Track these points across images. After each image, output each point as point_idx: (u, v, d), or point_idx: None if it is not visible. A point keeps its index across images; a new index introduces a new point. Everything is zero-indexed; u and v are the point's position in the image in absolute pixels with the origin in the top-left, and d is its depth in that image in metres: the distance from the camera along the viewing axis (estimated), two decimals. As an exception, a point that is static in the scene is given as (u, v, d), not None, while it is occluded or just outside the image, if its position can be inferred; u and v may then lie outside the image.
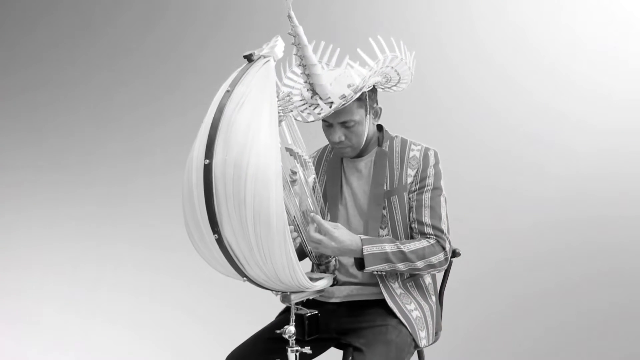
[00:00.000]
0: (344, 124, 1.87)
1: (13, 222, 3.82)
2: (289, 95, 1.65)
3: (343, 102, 1.76)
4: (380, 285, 1.92)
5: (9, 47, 4.03)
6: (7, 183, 3.88)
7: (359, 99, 1.86)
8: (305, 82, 1.82)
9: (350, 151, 1.95)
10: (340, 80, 1.84)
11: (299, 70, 1.93)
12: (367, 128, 1.93)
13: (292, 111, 1.68)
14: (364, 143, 1.95)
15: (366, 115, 1.91)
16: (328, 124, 1.90)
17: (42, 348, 3.37)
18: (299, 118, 1.85)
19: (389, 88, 2.02)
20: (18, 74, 4.01)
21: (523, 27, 3.36)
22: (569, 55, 3.31)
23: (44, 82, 3.99)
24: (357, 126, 1.89)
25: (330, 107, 1.76)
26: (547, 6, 3.33)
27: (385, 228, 1.95)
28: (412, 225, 1.95)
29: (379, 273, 1.90)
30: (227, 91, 1.47)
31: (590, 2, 3.29)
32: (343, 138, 1.89)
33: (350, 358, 1.81)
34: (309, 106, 1.84)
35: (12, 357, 3.30)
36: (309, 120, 1.82)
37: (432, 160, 1.96)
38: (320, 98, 1.81)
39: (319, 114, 1.79)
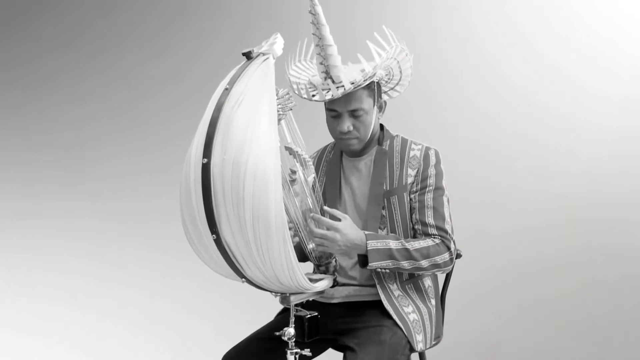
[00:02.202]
0: (353, 113, 1.86)
1: (12, 222, 3.81)
2: (288, 94, 1.62)
3: (361, 82, 1.75)
4: (378, 286, 1.89)
5: (8, 46, 4.01)
6: (7, 183, 3.87)
7: (368, 88, 1.85)
8: (321, 63, 1.80)
9: (356, 143, 1.92)
10: (351, 68, 1.84)
11: (303, 65, 1.95)
12: (374, 120, 1.92)
13: (291, 109, 1.66)
14: (369, 136, 1.93)
15: (374, 106, 1.90)
16: (336, 114, 1.88)
17: (41, 347, 3.35)
18: (317, 97, 1.82)
19: (385, 92, 2.02)
20: (16, 75, 3.99)
21: (524, 27, 3.34)
22: (570, 56, 3.29)
23: (41, 81, 3.97)
24: (365, 116, 1.87)
25: (343, 90, 1.76)
26: (548, 6, 3.31)
27: (384, 228, 1.93)
28: (416, 227, 1.93)
29: (383, 270, 1.88)
30: (226, 89, 1.45)
31: (592, 3, 3.28)
32: (352, 128, 1.87)
33: (343, 358, 1.79)
34: (321, 90, 1.82)
35: (12, 357, 3.29)
36: (327, 98, 1.79)
37: (432, 160, 1.94)
38: (333, 81, 1.79)
39: (338, 90, 1.77)
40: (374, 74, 1.79)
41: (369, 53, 1.84)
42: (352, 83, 1.76)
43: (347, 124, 1.86)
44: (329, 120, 1.91)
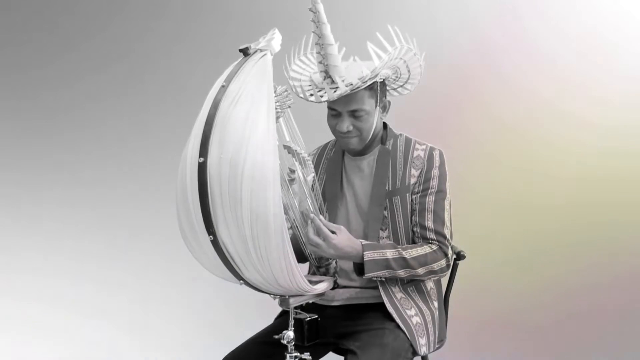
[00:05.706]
0: (353, 113, 1.81)
1: (12, 222, 3.80)
2: (286, 91, 1.59)
3: (359, 85, 1.69)
4: (380, 288, 1.87)
5: (9, 48, 3.99)
6: (6, 183, 3.86)
7: (371, 89, 1.81)
8: (320, 62, 1.75)
9: (356, 142, 1.88)
10: (355, 65, 1.79)
11: (307, 60, 1.90)
12: (376, 120, 1.88)
13: (289, 107, 1.62)
14: (370, 136, 1.89)
15: (376, 106, 1.86)
16: (336, 113, 1.84)
17: (40, 348, 3.35)
18: (312, 99, 1.77)
19: (394, 89, 1.97)
20: (17, 76, 3.98)
21: (526, 27, 3.33)
22: (572, 55, 3.29)
23: (40, 82, 3.95)
24: (366, 116, 1.83)
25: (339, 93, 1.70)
26: (553, 5, 3.30)
27: (385, 229, 1.90)
28: (414, 229, 1.90)
29: (378, 279, 1.85)
30: (223, 86, 1.42)
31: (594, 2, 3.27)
32: (351, 128, 1.83)
33: None
34: (317, 92, 1.77)
35: (9, 357, 3.26)
36: (323, 100, 1.74)
37: (437, 161, 1.91)
38: (332, 81, 1.73)
39: (335, 93, 1.71)
40: (375, 76, 1.73)
41: (378, 44, 1.80)
42: (348, 86, 1.71)
43: (346, 124, 1.82)
44: (329, 118, 1.88)
